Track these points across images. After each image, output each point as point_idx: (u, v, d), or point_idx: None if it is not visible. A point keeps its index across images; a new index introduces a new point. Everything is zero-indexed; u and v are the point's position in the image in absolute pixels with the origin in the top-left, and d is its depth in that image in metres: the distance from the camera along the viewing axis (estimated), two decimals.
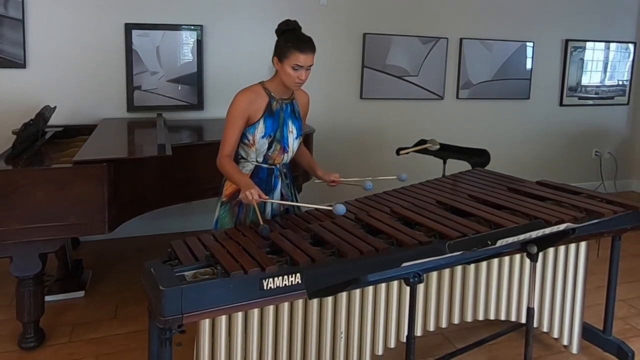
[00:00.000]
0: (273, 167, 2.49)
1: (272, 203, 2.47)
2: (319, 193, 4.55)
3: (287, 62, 2.31)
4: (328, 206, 2.22)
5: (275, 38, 2.40)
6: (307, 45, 2.32)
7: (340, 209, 2.16)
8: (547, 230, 1.84)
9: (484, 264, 2.31)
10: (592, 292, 3.28)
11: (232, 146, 2.39)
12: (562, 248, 2.49)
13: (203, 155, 3.48)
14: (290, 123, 2.47)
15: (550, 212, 2.42)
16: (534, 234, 1.81)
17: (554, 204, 2.59)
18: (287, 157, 2.51)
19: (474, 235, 2.09)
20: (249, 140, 2.42)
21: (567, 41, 5.83)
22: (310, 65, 2.34)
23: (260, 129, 2.39)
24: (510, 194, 2.75)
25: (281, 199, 2.51)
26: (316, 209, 2.35)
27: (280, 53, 2.33)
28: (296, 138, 2.51)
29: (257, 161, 2.47)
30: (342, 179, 2.52)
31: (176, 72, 4.43)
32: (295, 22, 2.39)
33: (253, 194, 2.18)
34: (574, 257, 2.52)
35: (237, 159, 2.49)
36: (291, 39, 2.32)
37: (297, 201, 2.66)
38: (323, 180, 2.55)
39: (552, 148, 6.00)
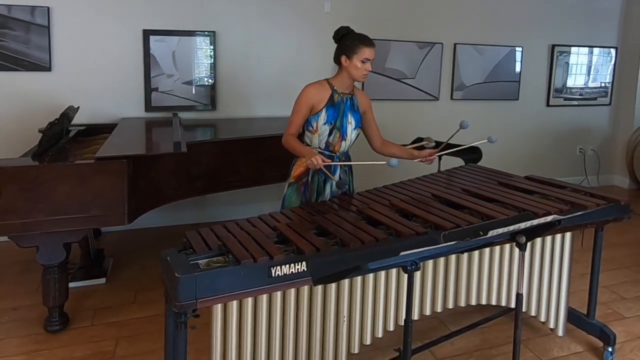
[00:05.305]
0: (333, 154, 2.61)
1: (330, 186, 2.60)
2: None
3: (356, 57, 2.49)
4: (383, 162, 2.40)
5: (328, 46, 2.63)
6: (370, 40, 2.53)
7: (394, 162, 2.34)
8: (535, 222, 1.82)
9: (476, 253, 2.29)
10: (576, 279, 3.27)
11: (297, 128, 2.56)
12: (548, 238, 2.47)
13: (216, 152, 3.47)
14: (349, 115, 2.61)
15: (537, 205, 2.41)
16: (523, 225, 1.80)
17: (541, 197, 2.58)
18: (345, 145, 2.64)
19: (467, 226, 2.08)
20: (312, 127, 2.56)
21: (553, 46, 5.81)
22: (373, 59, 2.52)
23: (322, 116, 2.54)
24: (501, 188, 2.74)
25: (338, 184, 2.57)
26: (372, 164, 2.51)
27: (349, 51, 2.50)
28: (354, 128, 2.65)
29: (319, 148, 2.59)
30: (434, 153, 2.74)
31: (191, 75, 4.43)
32: (347, 27, 2.57)
33: (317, 159, 2.34)
34: (559, 247, 2.50)
35: None
36: (356, 37, 2.52)
37: (353, 186, 2.77)
38: (421, 158, 2.72)
39: (539, 145, 5.98)
